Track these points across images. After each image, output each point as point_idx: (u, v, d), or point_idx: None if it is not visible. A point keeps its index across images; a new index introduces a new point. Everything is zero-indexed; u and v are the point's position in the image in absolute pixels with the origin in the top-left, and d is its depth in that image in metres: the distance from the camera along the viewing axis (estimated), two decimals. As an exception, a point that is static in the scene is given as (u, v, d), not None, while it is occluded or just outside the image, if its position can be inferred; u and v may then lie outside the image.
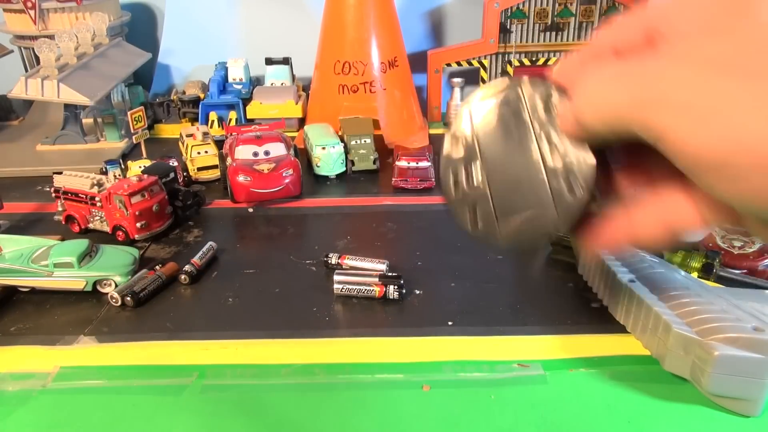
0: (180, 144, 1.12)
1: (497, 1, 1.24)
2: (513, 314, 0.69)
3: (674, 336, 0.54)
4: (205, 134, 1.09)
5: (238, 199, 0.96)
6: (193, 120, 1.30)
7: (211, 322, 0.69)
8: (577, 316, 0.69)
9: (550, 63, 1.30)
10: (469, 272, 0.77)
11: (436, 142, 1.21)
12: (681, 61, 0.29)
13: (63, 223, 0.90)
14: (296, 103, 1.30)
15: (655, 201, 0.34)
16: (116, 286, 0.74)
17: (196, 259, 0.78)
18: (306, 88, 1.37)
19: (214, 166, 1.05)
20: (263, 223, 0.93)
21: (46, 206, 0.97)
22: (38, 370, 0.62)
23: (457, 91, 1.32)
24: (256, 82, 1.41)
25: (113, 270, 0.74)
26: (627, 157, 0.37)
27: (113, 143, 1.21)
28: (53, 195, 0.91)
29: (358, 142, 1.08)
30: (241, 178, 0.95)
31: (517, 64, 1.30)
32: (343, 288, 0.71)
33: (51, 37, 1.20)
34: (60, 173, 0.91)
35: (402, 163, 1.05)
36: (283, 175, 0.96)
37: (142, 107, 1.09)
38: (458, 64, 1.32)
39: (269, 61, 1.38)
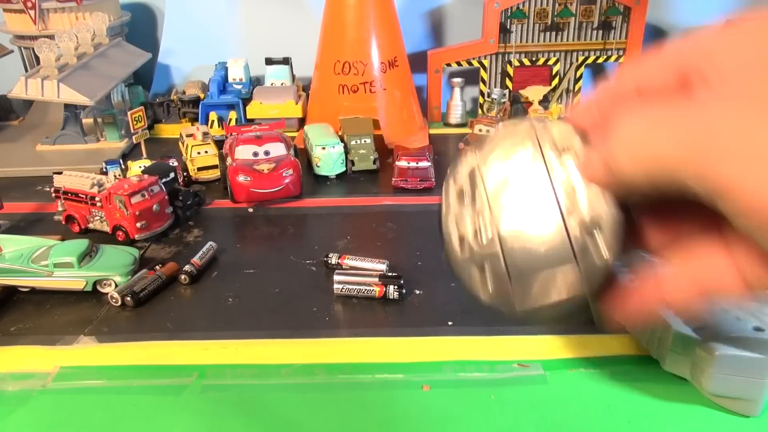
0: (180, 144, 1.12)
1: (497, 1, 1.24)
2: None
3: (674, 336, 0.54)
4: (205, 134, 1.09)
5: (238, 199, 0.96)
6: (193, 120, 1.30)
7: (211, 322, 0.70)
8: (577, 316, 0.68)
9: (549, 63, 1.30)
10: (469, 272, 0.77)
11: (436, 142, 1.21)
12: (742, 104, 0.25)
13: (63, 223, 0.90)
14: (296, 103, 1.30)
15: (687, 259, 0.30)
16: (116, 286, 0.74)
17: (196, 259, 0.78)
18: (306, 88, 1.37)
19: (214, 166, 1.05)
20: (263, 223, 0.93)
21: (46, 206, 0.97)
22: (38, 370, 0.62)
23: (457, 91, 1.32)
24: (256, 82, 1.41)
25: (113, 270, 0.74)
26: (651, 209, 0.33)
27: (113, 143, 1.21)
28: (53, 195, 0.91)
29: (358, 142, 1.08)
30: (241, 178, 0.95)
31: (517, 64, 1.30)
32: (343, 288, 0.71)
33: (51, 37, 1.20)
34: (60, 173, 0.91)
35: (402, 163, 1.05)
36: (283, 175, 0.96)
37: (142, 107, 1.09)
38: (458, 64, 1.32)
39: (269, 61, 1.38)
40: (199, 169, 1.05)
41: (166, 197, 0.89)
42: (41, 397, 0.59)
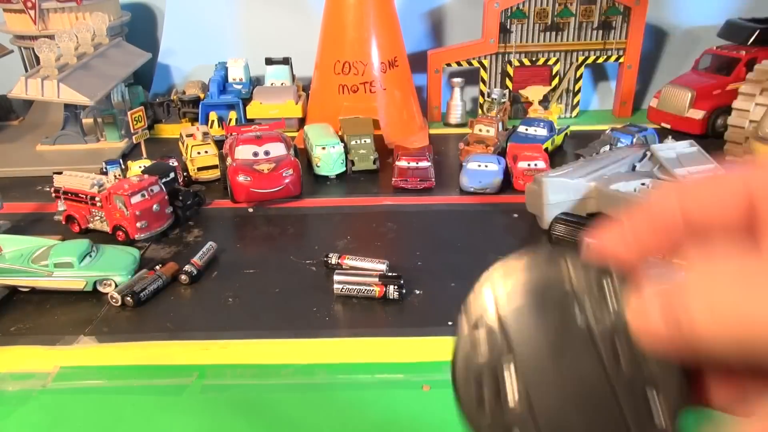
0: (180, 144, 1.12)
1: (497, 1, 1.24)
2: (513, 314, 0.69)
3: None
4: (205, 134, 1.09)
5: (238, 199, 0.96)
6: (193, 120, 1.30)
7: (211, 322, 0.70)
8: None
9: (549, 63, 1.30)
10: (469, 272, 0.77)
11: (436, 142, 1.22)
12: None
13: (63, 223, 0.90)
14: (296, 103, 1.30)
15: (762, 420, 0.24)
16: (116, 286, 0.74)
17: (196, 259, 0.78)
18: (306, 88, 1.37)
19: (214, 166, 1.05)
20: (263, 223, 0.93)
21: (46, 206, 0.97)
22: (38, 370, 0.62)
23: (457, 91, 1.32)
24: (256, 82, 1.41)
25: (113, 270, 0.74)
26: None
27: (113, 143, 1.21)
28: (53, 195, 0.91)
29: (358, 142, 1.08)
30: (241, 178, 0.95)
31: (517, 64, 1.30)
32: (343, 288, 0.71)
33: (51, 37, 1.20)
34: (60, 173, 0.91)
35: (402, 163, 1.05)
36: (283, 175, 0.96)
37: (142, 107, 1.09)
38: (458, 64, 1.32)
39: (269, 61, 1.38)
40: (199, 169, 1.05)
41: (166, 197, 0.89)
42: (41, 397, 0.59)
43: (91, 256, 0.75)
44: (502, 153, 1.09)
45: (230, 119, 1.27)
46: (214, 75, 1.35)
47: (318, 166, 1.06)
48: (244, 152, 0.98)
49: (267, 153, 0.99)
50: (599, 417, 0.25)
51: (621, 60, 1.29)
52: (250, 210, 0.96)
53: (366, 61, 1.15)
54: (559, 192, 0.83)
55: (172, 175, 0.96)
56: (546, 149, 1.09)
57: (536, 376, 0.25)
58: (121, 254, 0.78)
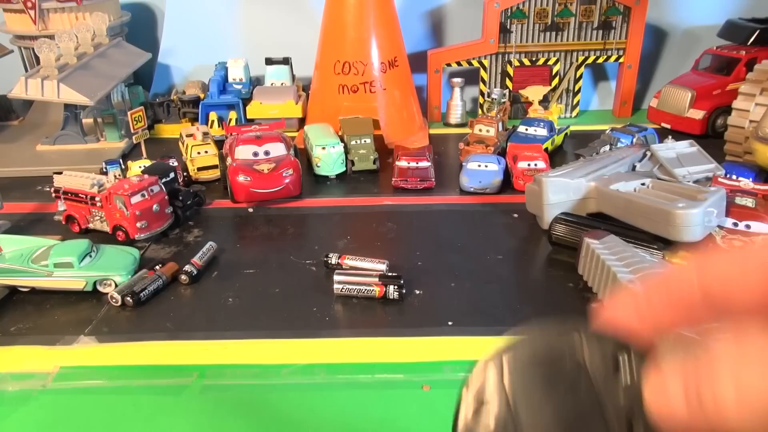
0: (180, 144, 1.12)
1: (497, 1, 1.24)
2: (513, 314, 0.69)
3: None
4: (205, 134, 1.09)
5: (238, 199, 0.96)
6: (193, 120, 1.30)
7: (211, 322, 0.69)
8: (577, 316, 0.68)
9: (549, 63, 1.30)
10: (469, 272, 0.77)
11: (436, 142, 1.22)
12: None
13: (63, 223, 0.90)
14: (296, 103, 1.30)
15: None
16: (116, 286, 0.74)
17: (196, 259, 0.78)
18: (306, 88, 1.37)
19: (214, 166, 1.05)
20: (263, 223, 0.93)
21: (46, 206, 0.97)
22: (38, 370, 0.62)
23: (457, 91, 1.32)
24: (256, 82, 1.41)
25: (113, 270, 0.74)
26: None
27: (113, 143, 1.21)
28: (53, 195, 0.91)
29: (358, 142, 1.08)
30: (241, 178, 0.95)
31: (517, 64, 1.30)
32: (343, 288, 0.71)
33: (51, 37, 1.20)
34: (60, 173, 0.91)
35: (402, 163, 1.05)
36: (283, 175, 0.96)
37: (142, 107, 1.09)
38: (458, 64, 1.32)
39: (269, 61, 1.38)
40: (199, 169, 1.05)
41: (166, 197, 0.89)
42: (41, 397, 0.59)
43: (91, 256, 0.75)
44: (502, 153, 1.09)
45: (230, 119, 1.27)
46: (214, 75, 1.35)
47: (318, 166, 1.06)
48: (244, 152, 0.98)
49: (267, 153, 0.99)
50: None
51: (621, 60, 1.29)
52: (250, 210, 0.96)
53: (366, 61, 1.15)
54: (559, 192, 0.83)
55: (172, 175, 0.96)
56: (546, 149, 1.09)
57: None
58: (121, 254, 0.78)
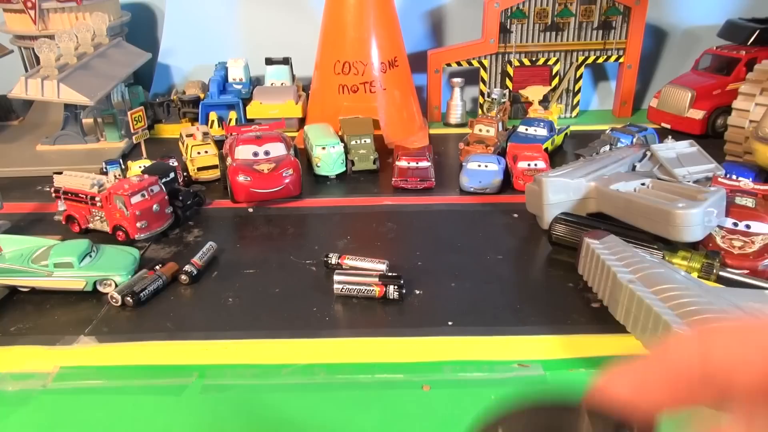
0: (180, 144, 1.12)
1: (497, 1, 1.24)
2: (513, 314, 0.69)
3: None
4: (205, 134, 1.09)
5: (238, 199, 0.96)
6: (193, 120, 1.30)
7: (211, 322, 0.69)
8: (577, 316, 0.69)
9: (549, 63, 1.30)
10: (469, 272, 0.77)
11: (436, 142, 1.22)
12: None
13: (63, 223, 0.90)
14: (296, 103, 1.30)
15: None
16: (116, 286, 0.74)
17: (196, 259, 0.78)
18: (306, 88, 1.37)
19: (214, 166, 1.05)
20: (263, 223, 0.93)
21: (46, 206, 0.97)
22: (38, 370, 0.62)
23: (457, 91, 1.32)
24: (256, 82, 1.41)
25: (113, 270, 0.74)
26: None
27: (113, 143, 1.21)
28: (53, 195, 0.91)
29: (358, 142, 1.08)
30: (241, 178, 0.95)
31: (517, 64, 1.30)
32: (343, 288, 0.71)
33: (51, 37, 1.20)
34: (60, 173, 0.91)
35: (402, 163, 1.05)
36: (283, 175, 0.96)
37: (142, 107, 1.09)
38: (458, 64, 1.32)
39: (269, 61, 1.38)
40: (199, 169, 1.05)
41: (166, 197, 0.89)
42: (41, 397, 0.59)
43: (91, 256, 0.75)
44: (502, 153, 1.09)
45: (230, 119, 1.27)
46: (214, 75, 1.35)
47: (318, 166, 1.06)
48: (244, 152, 0.98)
49: (267, 153, 0.99)
50: None
51: (621, 60, 1.29)
52: (250, 210, 0.96)
53: (366, 61, 1.15)
54: (559, 192, 0.83)
55: (172, 175, 0.96)
56: (546, 149, 1.09)
57: None
58: (121, 254, 0.78)
